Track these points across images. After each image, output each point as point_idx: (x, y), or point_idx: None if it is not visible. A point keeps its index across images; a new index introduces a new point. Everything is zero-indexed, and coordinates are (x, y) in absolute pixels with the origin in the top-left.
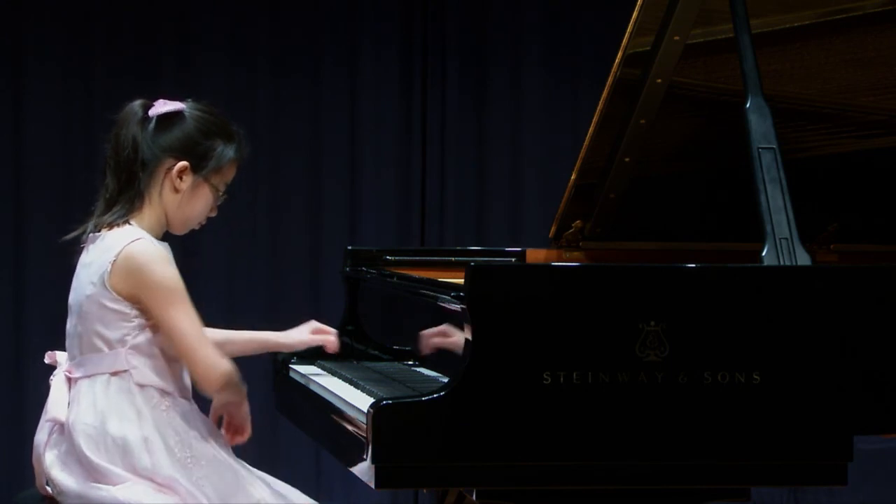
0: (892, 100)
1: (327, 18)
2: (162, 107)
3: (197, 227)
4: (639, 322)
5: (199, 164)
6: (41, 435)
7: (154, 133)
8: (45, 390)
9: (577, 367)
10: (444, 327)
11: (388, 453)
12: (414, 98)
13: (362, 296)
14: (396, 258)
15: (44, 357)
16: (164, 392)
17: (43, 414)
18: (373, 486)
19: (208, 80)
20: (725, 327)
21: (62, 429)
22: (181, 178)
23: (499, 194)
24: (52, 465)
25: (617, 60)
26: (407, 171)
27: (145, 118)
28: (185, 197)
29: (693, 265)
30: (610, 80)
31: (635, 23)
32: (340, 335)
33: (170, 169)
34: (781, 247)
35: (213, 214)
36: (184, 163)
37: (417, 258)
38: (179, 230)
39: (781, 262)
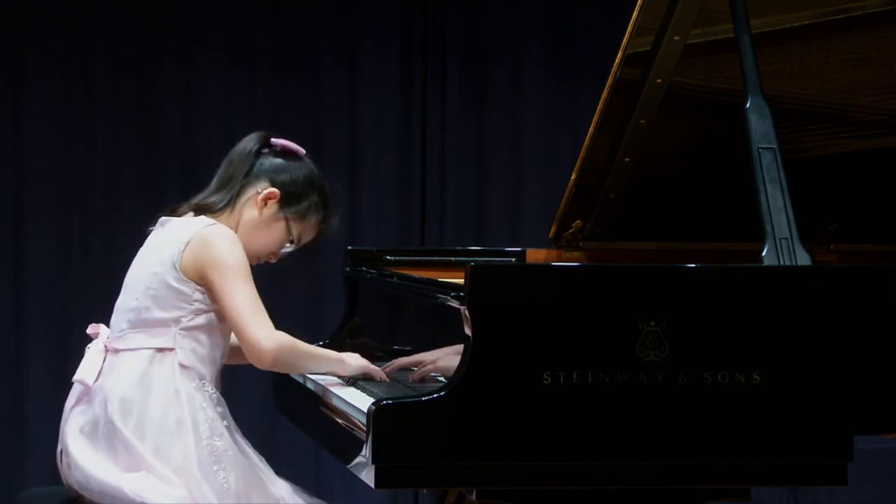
0: (892, 100)
1: (327, 18)
2: (286, 141)
3: (254, 263)
4: (639, 322)
5: (289, 201)
6: (69, 402)
7: (268, 158)
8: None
9: (577, 367)
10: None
11: (388, 453)
12: (414, 98)
13: (362, 296)
14: (396, 258)
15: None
16: (201, 377)
17: (77, 373)
18: (373, 486)
19: (208, 80)
20: (725, 327)
21: (89, 397)
22: (266, 203)
23: (499, 194)
24: (72, 433)
25: (617, 60)
26: (407, 171)
27: (267, 144)
28: (261, 222)
29: (693, 265)
30: (610, 80)
31: (635, 23)
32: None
33: (260, 191)
34: (781, 247)
35: (273, 260)
36: (275, 190)
37: (417, 258)
38: None
39: (781, 262)
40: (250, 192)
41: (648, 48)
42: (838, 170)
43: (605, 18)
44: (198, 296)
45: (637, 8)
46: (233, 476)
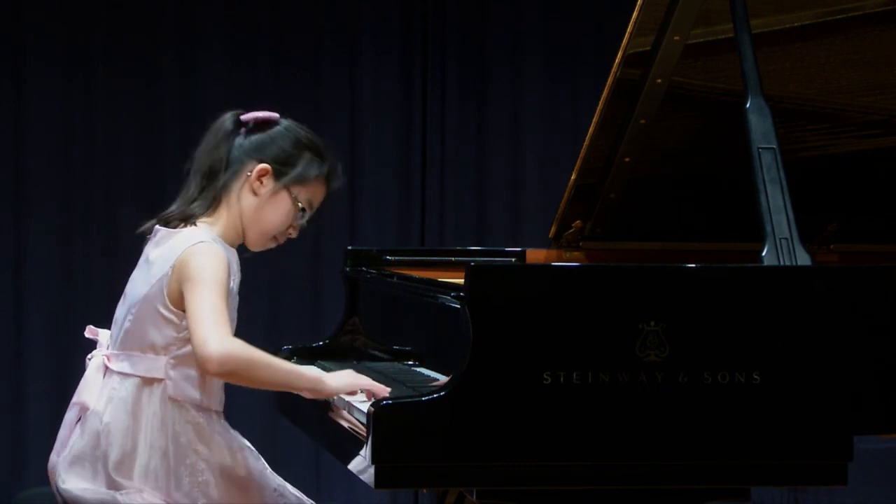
0: (892, 100)
1: (327, 18)
2: (257, 113)
3: (273, 245)
4: (639, 322)
5: (282, 169)
6: (71, 414)
7: (244, 136)
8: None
9: (577, 367)
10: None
11: (388, 453)
12: (414, 98)
13: (362, 296)
14: (396, 258)
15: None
16: (199, 407)
17: (75, 394)
18: (373, 486)
19: (208, 79)
20: (725, 327)
21: (83, 419)
22: (261, 182)
23: (499, 194)
24: (63, 464)
25: (617, 60)
26: (407, 171)
27: (238, 123)
28: (262, 202)
29: (693, 265)
30: (610, 80)
31: (635, 23)
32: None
33: (251, 171)
34: (781, 247)
35: (293, 235)
36: (265, 165)
37: (417, 258)
38: (255, 242)
39: (781, 262)
40: (240, 179)
41: (648, 48)
42: (838, 170)
43: (605, 18)
44: (185, 324)
45: (637, 8)
46: None
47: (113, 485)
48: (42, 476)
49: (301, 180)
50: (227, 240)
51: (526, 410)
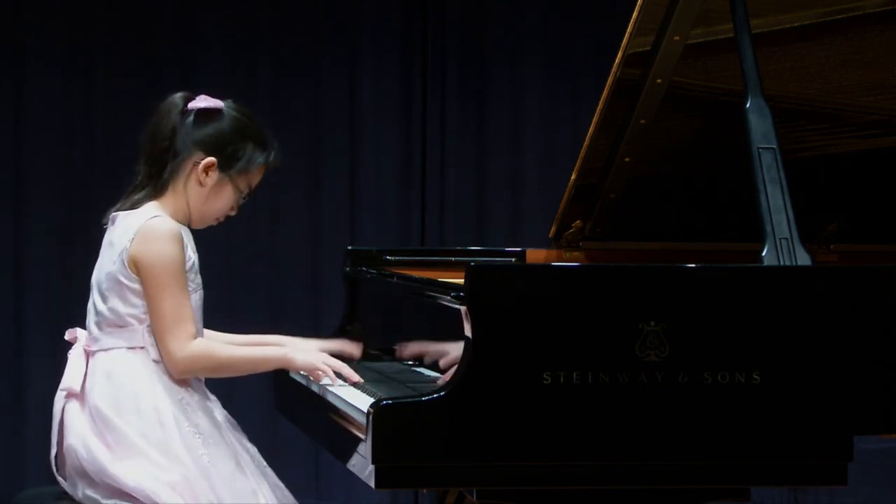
0: (892, 100)
1: (327, 18)
2: (202, 101)
3: (214, 223)
4: (639, 322)
5: (227, 163)
6: (57, 406)
7: (191, 126)
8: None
9: (577, 367)
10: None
11: (388, 453)
12: (414, 98)
13: (362, 296)
14: (396, 258)
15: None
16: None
17: (61, 383)
18: (373, 486)
19: (208, 79)
20: (725, 327)
21: (79, 400)
22: (207, 174)
23: (499, 194)
24: (72, 429)
25: (617, 60)
26: (407, 170)
27: (185, 111)
28: (207, 193)
29: (693, 265)
30: (610, 80)
31: (635, 23)
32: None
33: (197, 163)
34: (781, 247)
35: (233, 213)
36: (211, 159)
37: (417, 258)
38: (197, 224)
39: (781, 262)
40: (187, 166)
41: (648, 48)
42: (838, 170)
43: (605, 18)
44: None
45: (637, 8)
46: (217, 459)
47: (120, 441)
48: (42, 476)
49: (244, 170)
50: (175, 220)
51: (526, 410)
